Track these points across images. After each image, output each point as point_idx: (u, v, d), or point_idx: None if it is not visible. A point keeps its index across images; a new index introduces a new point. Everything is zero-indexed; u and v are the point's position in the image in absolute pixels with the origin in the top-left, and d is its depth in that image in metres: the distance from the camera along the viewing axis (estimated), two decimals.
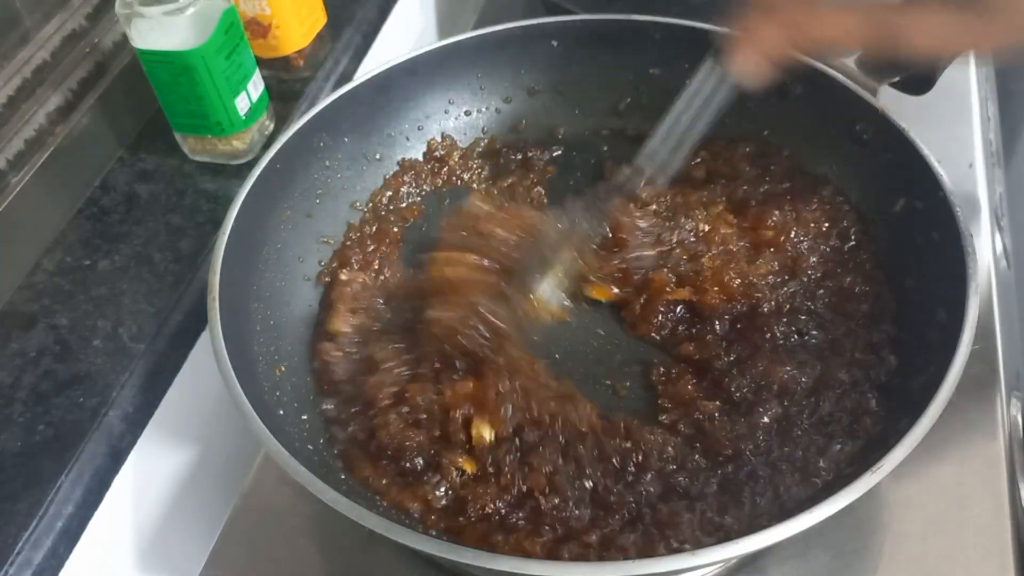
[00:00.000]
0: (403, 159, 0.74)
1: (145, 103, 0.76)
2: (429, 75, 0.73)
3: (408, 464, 0.54)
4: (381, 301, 0.64)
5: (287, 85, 0.82)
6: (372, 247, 0.68)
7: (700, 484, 0.53)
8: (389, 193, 0.72)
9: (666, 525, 0.50)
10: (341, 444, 0.56)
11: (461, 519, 0.52)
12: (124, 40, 0.73)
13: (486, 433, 0.54)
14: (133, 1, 0.65)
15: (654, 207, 0.67)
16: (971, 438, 0.59)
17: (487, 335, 0.56)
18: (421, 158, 0.74)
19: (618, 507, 0.52)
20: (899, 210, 0.62)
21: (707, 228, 0.65)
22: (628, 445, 0.54)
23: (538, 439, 0.54)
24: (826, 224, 0.65)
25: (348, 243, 0.69)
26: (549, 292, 0.60)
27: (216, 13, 0.67)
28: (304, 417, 0.58)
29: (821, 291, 0.62)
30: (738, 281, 0.62)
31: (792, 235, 0.64)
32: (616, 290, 0.64)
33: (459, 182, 0.74)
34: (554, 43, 0.75)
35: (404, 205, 0.73)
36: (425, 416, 0.56)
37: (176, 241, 0.69)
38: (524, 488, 0.52)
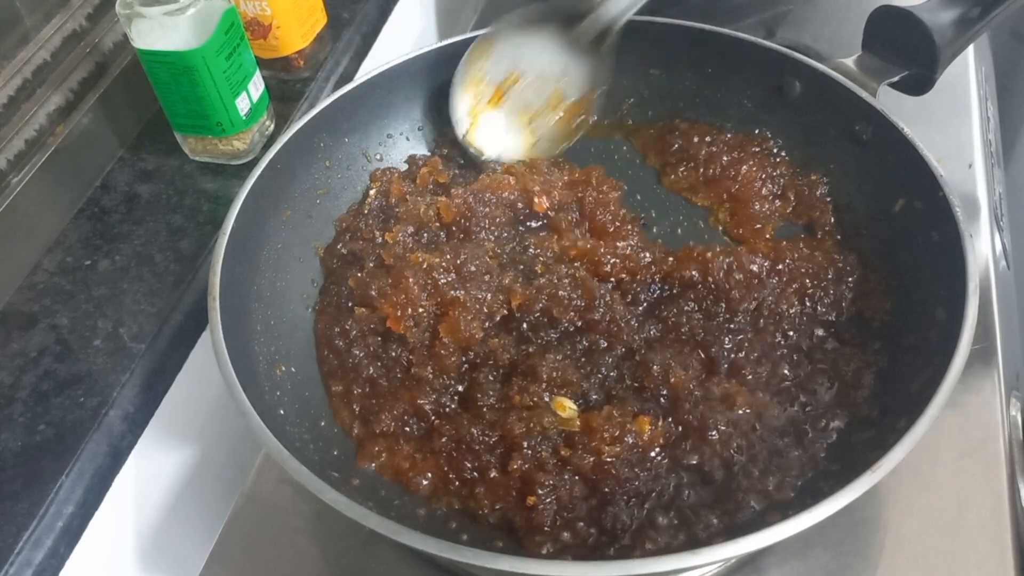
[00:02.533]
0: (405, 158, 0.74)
1: (145, 103, 0.76)
2: (430, 75, 0.73)
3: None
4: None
5: (287, 85, 0.82)
6: None
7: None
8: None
9: None
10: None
11: None
12: (124, 40, 0.73)
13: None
14: (133, 1, 0.65)
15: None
16: (971, 438, 0.59)
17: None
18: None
19: None
20: (899, 210, 0.62)
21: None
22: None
23: None
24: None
25: None
26: None
27: (216, 13, 0.67)
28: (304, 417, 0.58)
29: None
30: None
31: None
32: None
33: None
34: None
35: None
36: None
37: (176, 241, 0.69)
38: None
